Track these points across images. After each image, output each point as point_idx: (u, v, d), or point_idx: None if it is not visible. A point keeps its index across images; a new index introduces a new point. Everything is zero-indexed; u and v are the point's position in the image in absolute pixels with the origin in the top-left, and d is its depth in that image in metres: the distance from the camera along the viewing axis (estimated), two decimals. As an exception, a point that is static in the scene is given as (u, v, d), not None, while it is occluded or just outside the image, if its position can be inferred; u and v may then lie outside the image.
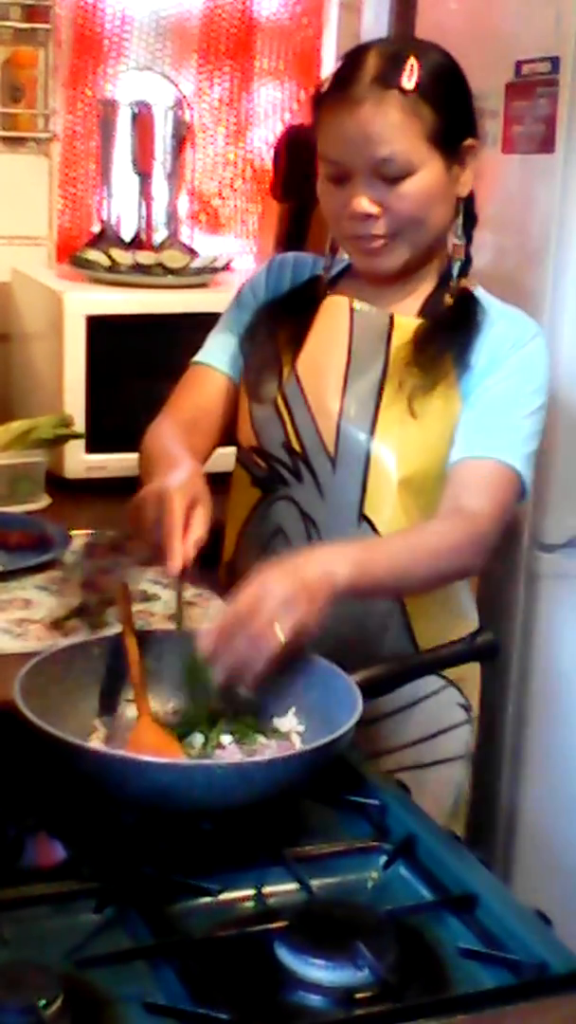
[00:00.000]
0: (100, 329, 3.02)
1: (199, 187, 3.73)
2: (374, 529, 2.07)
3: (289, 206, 3.55)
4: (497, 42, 2.88)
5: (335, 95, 1.99)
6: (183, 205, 3.64)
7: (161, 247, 3.41)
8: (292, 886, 1.48)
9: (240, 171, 3.79)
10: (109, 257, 3.21)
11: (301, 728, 1.74)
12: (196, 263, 3.26)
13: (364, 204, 1.99)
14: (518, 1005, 1.29)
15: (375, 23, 3.43)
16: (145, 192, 3.49)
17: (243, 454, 2.20)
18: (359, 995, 1.28)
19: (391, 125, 1.95)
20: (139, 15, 3.58)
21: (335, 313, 2.15)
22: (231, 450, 2.23)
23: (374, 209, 1.99)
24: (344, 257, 2.21)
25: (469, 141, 2.05)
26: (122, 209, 3.52)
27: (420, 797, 2.04)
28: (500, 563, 2.36)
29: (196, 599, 2.21)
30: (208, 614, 2.13)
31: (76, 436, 2.96)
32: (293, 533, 2.12)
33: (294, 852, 1.53)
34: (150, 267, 3.20)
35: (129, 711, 1.76)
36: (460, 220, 2.10)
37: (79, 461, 3.02)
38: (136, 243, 3.45)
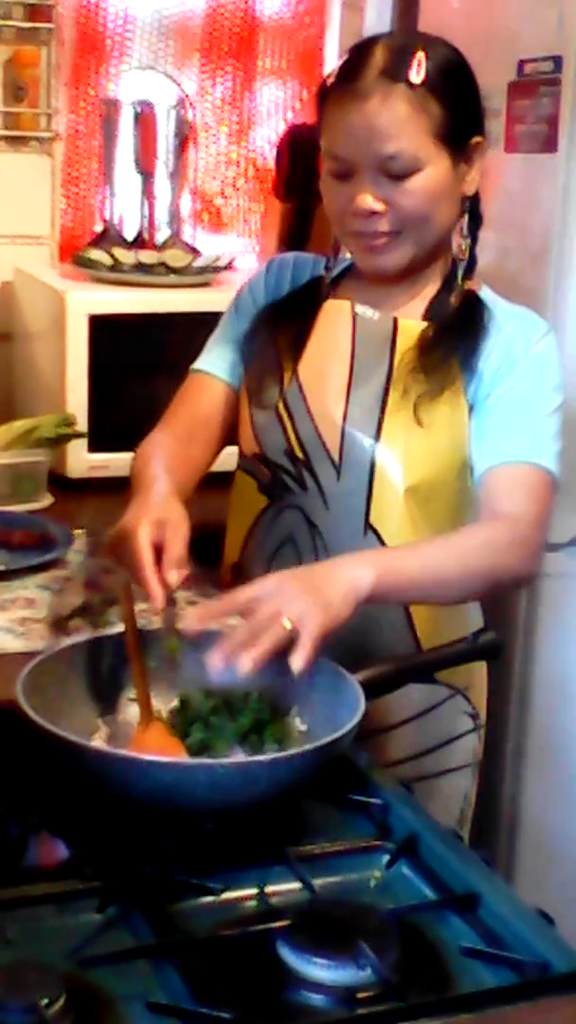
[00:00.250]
0: (103, 328, 3.02)
1: (202, 186, 3.73)
2: (380, 539, 2.05)
3: (292, 205, 3.55)
4: (499, 41, 2.88)
5: (341, 88, 1.96)
6: (186, 204, 3.64)
7: (164, 246, 3.42)
8: (295, 885, 1.48)
9: (243, 170, 3.79)
10: (112, 256, 3.21)
11: (304, 727, 1.74)
12: (199, 262, 3.27)
13: (368, 201, 1.96)
14: (520, 1004, 1.29)
15: (377, 22, 3.43)
16: (148, 191, 3.50)
17: (246, 461, 2.18)
18: (361, 994, 1.28)
19: (398, 120, 1.92)
20: (142, 14, 3.58)
21: (337, 317, 2.13)
22: (232, 449, 2.23)
23: (379, 206, 1.97)
24: (346, 257, 2.19)
25: (476, 139, 2.02)
26: (125, 208, 3.52)
27: (428, 807, 2.04)
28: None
29: (199, 599, 2.21)
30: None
31: (78, 435, 2.97)
32: (301, 542, 2.11)
33: (297, 851, 1.53)
34: (153, 266, 3.20)
35: (132, 710, 1.76)
36: (465, 220, 2.07)
37: (81, 460, 3.02)
38: (139, 242, 3.46)
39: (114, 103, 3.50)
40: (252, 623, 1.66)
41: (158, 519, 1.87)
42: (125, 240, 3.45)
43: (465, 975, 1.35)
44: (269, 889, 1.47)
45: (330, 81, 2.00)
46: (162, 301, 3.13)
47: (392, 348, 2.08)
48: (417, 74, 1.93)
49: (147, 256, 3.23)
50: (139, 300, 3.12)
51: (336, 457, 2.07)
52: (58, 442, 2.93)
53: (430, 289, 2.11)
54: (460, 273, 2.10)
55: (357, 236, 2.03)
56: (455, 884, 1.48)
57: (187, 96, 3.57)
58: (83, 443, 3.00)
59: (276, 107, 3.78)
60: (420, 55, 1.94)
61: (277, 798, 1.55)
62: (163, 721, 1.73)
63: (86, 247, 3.37)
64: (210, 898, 1.45)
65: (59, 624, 2.11)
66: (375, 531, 2.05)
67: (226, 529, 2.24)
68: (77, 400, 3.02)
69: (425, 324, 2.08)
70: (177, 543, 1.85)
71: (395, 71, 1.93)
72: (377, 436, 2.04)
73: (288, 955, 1.31)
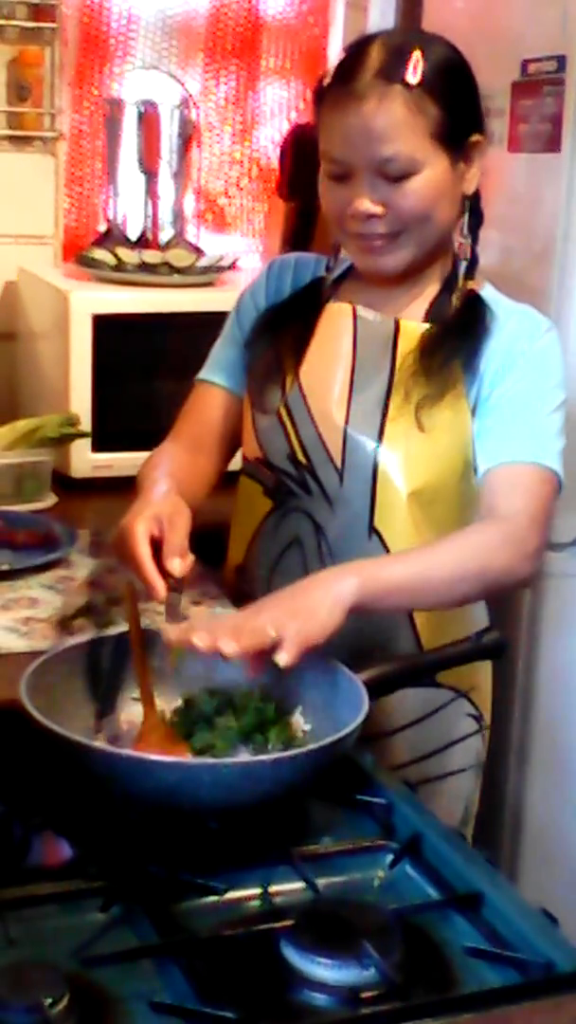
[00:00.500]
0: (106, 328, 3.02)
1: (205, 186, 3.73)
2: (384, 542, 2.05)
3: (295, 205, 3.55)
4: (503, 41, 2.88)
5: (337, 89, 1.95)
6: (189, 204, 3.65)
7: (167, 246, 3.42)
8: (298, 885, 1.48)
9: (246, 170, 3.79)
10: (115, 256, 3.21)
11: (308, 727, 1.74)
12: (202, 262, 3.27)
13: (367, 204, 1.95)
14: (524, 1004, 1.29)
15: (381, 22, 3.43)
16: (151, 191, 3.50)
17: (249, 465, 2.18)
18: (365, 994, 1.28)
19: (395, 122, 1.91)
20: (145, 14, 3.58)
21: (338, 320, 2.12)
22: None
23: (377, 209, 1.96)
24: (348, 258, 2.19)
25: (475, 137, 2.01)
26: (128, 208, 3.53)
27: (431, 809, 2.04)
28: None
29: (201, 598, 2.22)
30: (214, 613, 2.13)
31: (82, 435, 2.97)
32: (308, 545, 2.11)
33: (300, 851, 1.53)
34: (156, 266, 3.20)
35: (135, 710, 1.76)
36: (466, 219, 2.06)
37: (85, 460, 3.02)
38: (142, 242, 3.46)
39: (118, 103, 3.50)
40: (236, 626, 1.68)
41: (155, 514, 1.88)
42: (129, 240, 3.45)
43: (469, 975, 1.35)
44: (273, 889, 1.47)
45: (326, 82, 1.99)
46: (166, 301, 3.13)
47: (393, 350, 2.07)
48: (414, 74, 1.91)
49: (151, 256, 3.23)
50: (143, 300, 3.12)
51: (338, 461, 2.06)
52: (62, 442, 2.93)
53: (431, 289, 2.10)
54: (461, 273, 2.08)
55: (356, 238, 2.02)
56: (459, 884, 1.48)
57: (191, 96, 3.57)
58: (87, 443, 3.00)
59: (280, 107, 3.78)
60: (416, 55, 1.92)
61: (281, 798, 1.55)
62: (167, 721, 1.73)
63: (90, 247, 3.37)
64: (214, 898, 1.45)
65: (63, 624, 2.11)
66: (379, 534, 2.05)
67: (230, 531, 2.24)
68: (81, 400, 3.02)
69: (427, 325, 2.07)
70: (176, 534, 1.86)
71: (391, 72, 1.92)
72: (379, 439, 2.03)
73: (292, 955, 1.31)
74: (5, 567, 2.36)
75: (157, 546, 1.85)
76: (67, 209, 3.57)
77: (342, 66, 1.97)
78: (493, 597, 2.13)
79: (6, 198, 3.45)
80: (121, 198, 3.53)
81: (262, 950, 1.33)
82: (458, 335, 2.04)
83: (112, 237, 3.44)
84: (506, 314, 2.07)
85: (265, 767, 1.54)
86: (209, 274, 3.26)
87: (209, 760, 1.63)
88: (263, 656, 1.67)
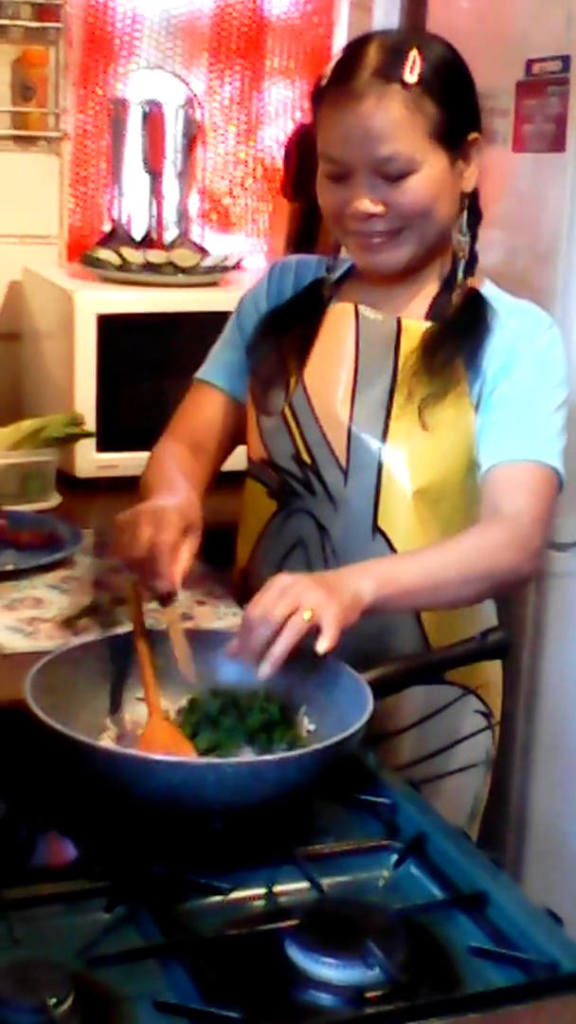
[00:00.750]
0: (111, 328, 3.02)
1: (210, 186, 3.73)
2: (388, 542, 2.06)
3: (300, 205, 3.55)
4: (508, 41, 2.88)
5: (335, 89, 1.95)
6: (194, 204, 3.64)
7: (172, 246, 3.42)
8: (303, 885, 1.48)
9: (251, 170, 3.79)
10: (120, 256, 3.21)
11: (312, 727, 1.74)
12: (207, 262, 3.27)
13: (366, 203, 1.96)
14: (529, 1004, 1.29)
15: (386, 21, 3.42)
16: (156, 191, 3.50)
17: (254, 467, 2.19)
18: (369, 994, 1.28)
19: (393, 122, 1.92)
20: (150, 14, 3.58)
21: (341, 320, 2.12)
22: (240, 448, 2.23)
23: (377, 208, 1.96)
24: (348, 258, 2.19)
25: (473, 135, 2.01)
26: (133, 208, 3.53)
27: (439, 805, 2.04)
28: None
29: (206, 598, 2.22)
30: (218, 613, 2.13)
31: (87, 435, 2.97)
32: (311, 546, 2.11)
33: (305, 851, 1.53)
34: (161, 266, 3.20)
35: (140, 710, 1.76)
36: (464, 216, 2.06)
37: (90, 460, 3.02)
38: (147, 242, 3.46)
39: (122, 103, 3.50)
40: (272, 619, 1.67)
41: (187, 519, 1.90)
42: (133, 240, 3.45)
43: (473, 975, 1.35)
44: (277, 889, 1.47)
45: (324, 82, 1.99)
46: (170, 301, 3.13)
47: (396, 349, 2.07)
48: (411, 74, 1.92)
49: (155, 256, 3.24)
50: (147, 300, 3.12)
51: (343, 460, 2.07)
52: (66, 442, 2.93)
53: (431, 287, 2.11)
54: (461, 271, 2.08)
55: (356, 236, 2.02)
56: (463, 883, 1.48)
57: (195, 96, 3.57)
58: (91, 443, 3.00)
59: (284, 107, 3.78)
60: (414, 54, 1.93)
61: (285, 798, 1.55)
62: (171, 721, 1.73)
63: (94, 247, 3.37)
64: (218, 897, 1.45)
65: (68, 624, 2.11)
66: (383, 534, 2.05)
67: (237, 533, 2.24)
68: (85, 400, 3.02)
69: (428, 324, 2.08)
70: (189, 554, 1.88)
71: (389, 71, 1.92)
72: (383, 439, 2.04)
73: (296, 955, 1.31)
74: (10, 567, 2.36)
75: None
76: (72, 209, 3.57)
77: (340, 66, 1.98)
78: (497, 596, 2.13)
79: (11, 198, 3.45)
80: (125, 198, 3.52)
81: (266, 950, 1.33)
82: (460, 333, 2.05)
83: (117, 237, 3.44)
84: (507, 311, 2.07)
85: (270, 767, 1.54)
86: (213, 274, 3.26)
87: (214, 760, 1.63)
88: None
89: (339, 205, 2.00)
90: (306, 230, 3.54)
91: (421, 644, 2.10)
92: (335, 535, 2.08)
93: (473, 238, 2.09)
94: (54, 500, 2.86)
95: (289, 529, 2.13)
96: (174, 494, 1.99)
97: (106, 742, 1.70)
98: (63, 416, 2.96)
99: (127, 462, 2.90)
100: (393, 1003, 1.27)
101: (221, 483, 2.23)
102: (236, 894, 1.45)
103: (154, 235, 3.47)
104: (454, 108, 1.97)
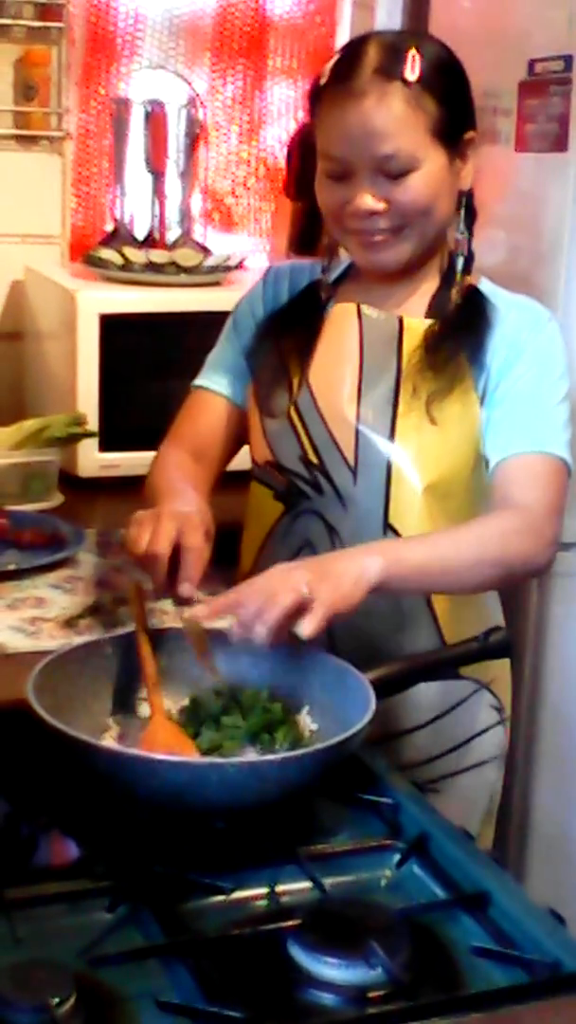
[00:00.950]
0: (113, 327, 3.02)
1: (212, 185, 3.73)
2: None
3: (302, 204, 3.55)
4: (510, 40, 2.88)
5: (335, 88, 1.96)
6: (196, 203, 3.64)
7: (174, 245, 3.42)
8: (305, 884, 1.48)
9: (253, 169, 3.79)
10: (122, 256, 3.21)
11: (314, 726, 1.74)
12: (209, 261, 3.27)
13: (368, 201, 1.97)
14: (531, 1004, 1.29)
15: (388, 21, 3.43)
16: (158, 191, 3.50)
17: (259, 470, 2.18)
18: (372, 994, 1.28)
19: (395, 119, 1.93)
20: (152, 14, 3.58)
21: (343, 320, 2.13)
22: (244, 448, 2.23)
23: (379, 205, 1.97)
24: (344, 259, 2.20)
25: (469, 134, 2.03)
26: (135, 208, 3.52)
27: (458, 801, 2.06)
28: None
29: (207, 598, 2.21)
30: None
31: (89, 435, 2.97)
32: (320, 546, 2.10)
33: (307, 850, 1.53)
34: (163, 265, 3.20)
35: (142, 709, 1.76)
36: (462, 214, 2.08)
37: (92, 460, 3.02)
38: (149, 241, 3.46)
39: (125, 102, 3.50)
40: (267, 589, 1.68)
41: (189, 521, 1.90)
42: (136, 239, 3.45)
43: (476, 974, 1.35)
44: (279, 888, 1.47)
45: (323, 81, 2.00)
46: (173, 300, 3.13)
47: (399, 347, 2.08)
48: (412, 71, 1.93)
49: (158, 255, 3.23)
50: (150, 299, 3.12)
51: (351, 459, 2.07)
52: (69, 441, 2.93)
53: (429, 285, 2.12)
54: (459, 268, 2.10)
55: (356, 234, 2.03)
56: (465, 883, 1.48)
57: (198, 95, 3.57)
58: (94, 442, 3.00)
59: (287, 106, 3.78)
60: (413, 53, 1.94)
61: (288, 797, 1.55)
62: (173, 720, 1.73)
63: (97, 246, 3.37)
64: (220, 897, 1.45)
65: (70, 623, 2.11)
66: (395, 531, 2.06)
67: (239, 535, 2.24)
68: (88, 399, 3.02)
69: (429, 321, 2.09)
70: (196, 549, 1.88)
71: (389, 69, 1.93)
72: (391, 436, 2.04)
73: (299, 954, 1.31)
74: (12, 567, 2.36)
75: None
76: (74, 209, 3.57)
77: (339, 66, 1.99)
78: (510, 585, 2.12)
79: (13, 198, 3.45)
80: (128, 197, 3.52)
81: (269, 950, 1.33)
82: (461, 330, 2.06)
83: (119, 236, 3.44)
84: (506, 306, 2.09)
85: (272, 767, 1.54)
86: (216, 273, 3.25)
87: (216, 760, 1.63)
88: (288, 626, 1.68)
89: (340, 204, 2.01)
90: (308, 230, 3.54)
91: (436, 638, 2.10)
92: (345, 535, 2.08)
93: (470, 236, 2.10)
94: (56, 500, 2.85)
95: (296, 531, 2.13)
96: (186, 501, 2.00)
97: (108, 742, 1.70)
98: (65, 416, 2.96)
99: (129, 462, 2.90)
100: (395, 1003, 1.27)
101: (224, 484, 2.23)
102: (238, 894, 1.45)
103: (156, 235, 3.47)
104: (453, 106, 1.99)
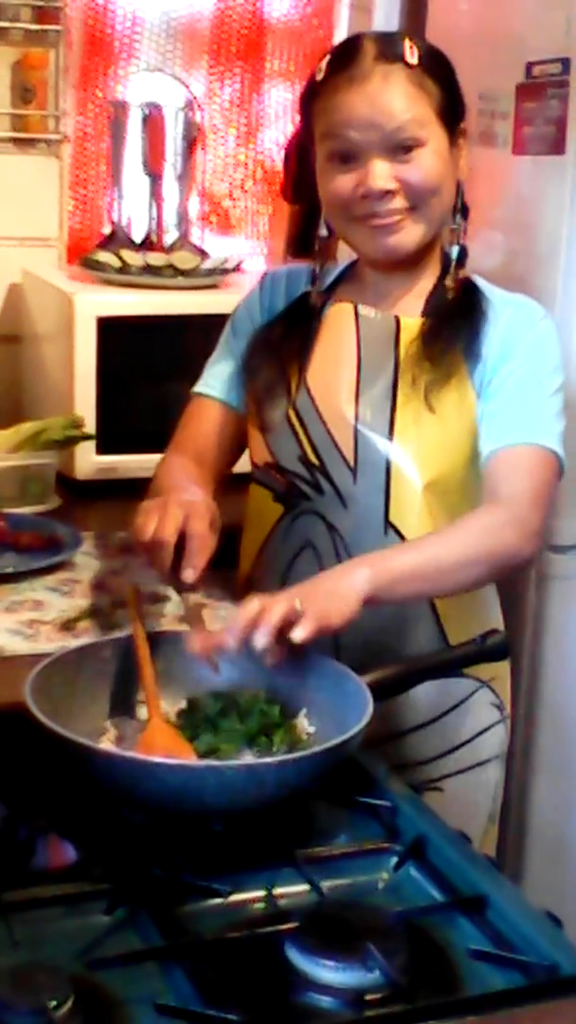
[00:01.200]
0: (111, 330, 3.02)
1: (210, 188, 3.73)
2: (401, 537, 2.07)
3: (300, 207, 3.54)
4: (507, 43, 2.88)
5: (337, 78, 1.99)
6: (194, 206, 3.64)
7: (172, 248, 3.41)
8: (303, 887, 1.48)
9: (251, 172, 3.79)
10: (120, 258, 3.21)
11: (312, 729, 1.74)
12: (207, 264, 3.27)
13: (380, 181, 1.98)
14: (528, 1007, 1.29)
15: (385, 24, 3.42)
16: (156, 193, 3.50)
17: (259, 472, 2.19)
18: (369, 996, 1.28)
19: (402, 93, 1.97)
20: (150, 16, 3.58)
21: (341, 321, 2.14)
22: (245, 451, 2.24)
23: (392, 184, 1.98)
24: (340, 263, 2.21)
25: (463, 124, 2.07)
26: (133, 210, 3.52)
27: (461, 801, 2.06)
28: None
29: (207, 601, 2.22)
30: (219, 616, 2.13)
31: (86, 437, 2.96)
32: (321, 546, 2.11)
33: (304, 853, 1.53)
34: (161, 268, 3.20)
35: (140, 712, 1.76)
36: (459, 204, 2.10)
37: (89, 462, 3.02)
38: (147, 244, 3.46)
39: (122, 105, 3.50)
40: (258, 608, 1.70)
41: (193, 511, 1.93)
42: (133, 242, 3.45)
43: (473, 977, 1.35)
44: (277, 891, 1.47)
45: (321, 76, 2.03)
46: (170, 303, 3.12)
47: (396, 345, 2.09)
48: (412, 55, 1.98)
49: (155, 258, 3.23)
50: (147, 302, 3.12)
51: (351, 458, 2.08)
52: (66, 444, 2.93)
53: (425, 284, 2.13)
54: (454, 256, 2.12)
55: (368, 219, 2.03)
56: (463, 886, 1.48)
57: (195, 98, 3.57)
58: (91, 445, 3.00)
59: (284, 109, 3.78)
60: (408, 41, 2.00)
61: (285, 800, 1.55)
62: (171, 723, 1.73)
63: (94, 249, 3.36)
64: (218, 900, 1.45)
65: (67, 626, 2.11)
66: (395, 529, 2.07)
67: (239, 537, 2.24)
68: (85, 402, 3.01)
69: (425, 320, 2.10)
70: (201, 535, 1.91)
71: (390, 54, 1.98)
72: (390, 434, 2.05)
73: (296, 957, 1.31)
74: (9, 570, 2.36)
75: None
76: (71, 211, 3.57)
77: (337, 59, 2.02)
78: (499, 579, 2.13)
79: (10, 200, 3.45)
80: (125, 200, 3.52)
81: (266, 952, 1.33)
82: (458, 321, 2.08)
83: (116, 239, 3.44)
84: (502, 303, 2.11)
85: (270, 770, 1.54)
86: (213, 276, 3.25)
87: (213, 763, 1.64)
88: (284, 636, 1.69)
89: (349, 189, 2.02)
90: (306, 232, 3.53)
91: (439, 639, 2.12)
92: (346, 534, 2.09)
93: (464, 227, 2.13)
94: (54, 502, 2.85)
95: (297, 532, 2.14)
96: (192, 494, 2.02)
97: (106, 744, 1.70)
98: (63, 419, 2.96)
99: (127, 464, 2.90)
100: (393, 1006, 1.27)
101: (225, 486, 2.23)
102: (236, 896, 1.46)
103: (154, 238, 3.47)
104: (450, 91, 2.03)
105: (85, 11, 3.49)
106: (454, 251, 2.12)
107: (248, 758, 1.67)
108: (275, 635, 1.69)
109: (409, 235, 2.05)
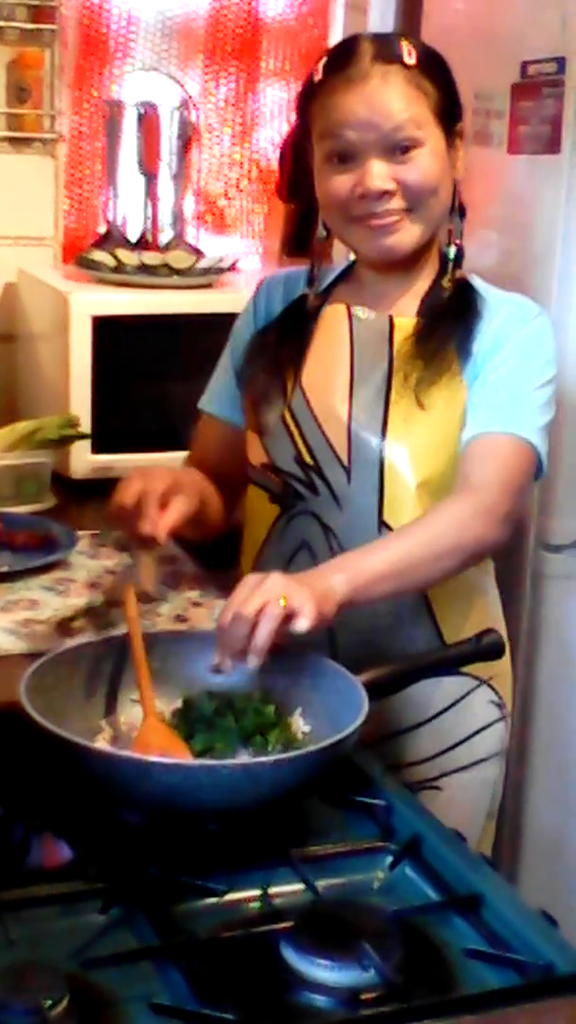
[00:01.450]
0: (106, 330, 3.02)
1: (205, 188, 3.73)
2: None
3: (295, 207, 3.55)
4: (503, 42, 2.88)
5: (335, 78, 1.99)
6: (189, 206, 3.65)
7: (167, 248, 3.42)
8: (298, 886, 1.48)
9: (246, 171, 3.79)
10: (115, 258, 3.21)
11: (307, 729, 1.74)
12: (202, 264, 3.27)
13: (379, 181, 1.98)
14: (523, 1006, 1.29)
15: (381, 23, 3.43)
16: (151, 193, 3.50)
17: (255, 472, 2.19)
18: (365, 995, 1.28)
19: (400, 94, 1.97)
20: (145, 16, 3.58)
21: (335, 321, 2.14)
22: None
23: (390, 185, 1.98)
24: (336, 265, 2.21)
25: (460, 125, 2.07)
26: (128, 210, 3.53)
27: (461, 799, 2.06)
28: (506, 563, 2.36)
29: (202, 600, 2.22)
30: (214, 615, 2.13)
31: (82, 436, 2.97)
32: (317, 547, 2.11)
33: (300, 852, 1.53)
34: (156, 268, 3.20)
35: (135, 712, 1.76)
36: (456, 205, 2.09)
37: (85, 461, 3.02)
38: (142, 244, 3.46)
39: (117, 104, 3.50)
40: (245, 614, 1.69)
41: (176, 481, 1.99)
42: (128, 241, 3.45)
43: (468, 976, 1.35)
44: (272, 890, 1.47)
45: (318, 77, 2.03)
46: (165, 302, 3.12)
47: (390, 344, 2.09)
48: (409, 56, 1.98)
49: (150, 257, 3.23)
50: (142, 301, 3.12)
51: (345, 458, 2.07)
52: (62, 443, 2.93)
53: (421, 285, 2.13)
54: (451, 255, 2.12)
55: (367, 219, 2.03)
56: (458, 885, 1.48)
57: (190, 97, 3.57)
58: (87, 444, 3.00)
59: (279, 108, 3.78)
60: (405, 42, 2.01)
61: (280, 799, 1.55)
62: (166, 722, 1.73)
63: (89, 248, 3.37)
64: (213, 899, 1.45)
65: (63, 626, 2.11)
66: (389, 528, 2.06)
67: (241, 539, 2.24)
68: (80, 401, 3.01)
69: (419, 319, 2.11)
70: (179, 509, 1.97)
71: (387, 55, 1.99)
72: (383, 433, 2.05)
73: (291, 956, 1.31)
74: (4, 569, 2.36)
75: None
76: (67, 211, 3.57)
77: (334, 59, 2.03)
78: (471, 566, 2.12)
79: (6, 200, 3.45)
80: (121, 200, 3.52)
81: (262, 952, 1.33)
82: (451, 319, 2.08)
83: (112, 239, 3.44)
84: (497, 302, 2.11)
85: (265, 769, 1.54)
86: (209, 276, 3.26)
87: (209, 762, 1.63)
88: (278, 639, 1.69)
89: (347, 189, 2.01)
90: (301, 232, 3.54)
91: (435, 638, 2.11)
92: (341, 534, 2.09)
93: (460, 227, 2.12)
94: (49, 502, 2.85)
95: (292, 532, 2.13)
96: (187, 472, 2.11)
97: (101, 744, 1.70)
98: (58, 418, 2.96)
99: (122, 464, 2.90)
100: (388, 1005, 1.27)
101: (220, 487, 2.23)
102: (231, 896, 1.46)
103: (149, 237, 3.47)
104: (447, 92, 2.03)
105: (80, 10, 3.49)
106: (451, 251, 2.12)
107: (243, 757, 1.67)
108: (272, 639, 1.68)
109: (407, 235, 2.05)
